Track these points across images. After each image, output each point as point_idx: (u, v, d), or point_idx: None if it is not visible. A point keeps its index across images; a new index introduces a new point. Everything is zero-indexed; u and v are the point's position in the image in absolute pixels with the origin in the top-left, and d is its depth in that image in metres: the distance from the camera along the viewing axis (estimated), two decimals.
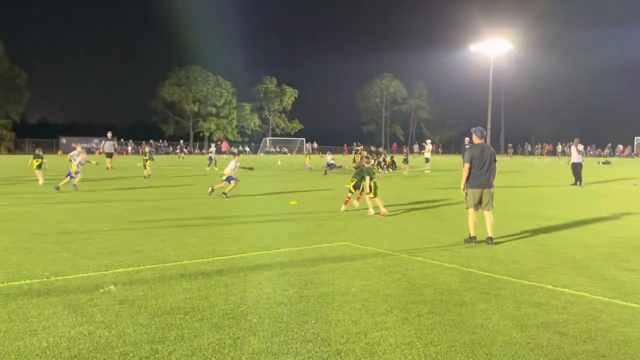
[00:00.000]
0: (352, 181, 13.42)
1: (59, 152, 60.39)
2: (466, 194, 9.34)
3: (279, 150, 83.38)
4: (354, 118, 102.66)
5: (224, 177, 16.49)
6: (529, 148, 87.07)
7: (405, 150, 55.66)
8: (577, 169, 22.42)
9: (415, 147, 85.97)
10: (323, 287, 6.23)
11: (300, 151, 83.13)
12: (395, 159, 36.83)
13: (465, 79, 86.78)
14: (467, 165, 9.27)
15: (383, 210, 12.52)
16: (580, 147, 22.86)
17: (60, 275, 6.68)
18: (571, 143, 23.69)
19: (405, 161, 33.85)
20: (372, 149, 46.60)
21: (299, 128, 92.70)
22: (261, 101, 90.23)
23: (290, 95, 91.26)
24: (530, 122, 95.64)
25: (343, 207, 13.37)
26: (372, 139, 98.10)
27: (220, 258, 7.76)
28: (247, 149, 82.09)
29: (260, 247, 8.58)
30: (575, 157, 22.73)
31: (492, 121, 72.60)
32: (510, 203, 15.30)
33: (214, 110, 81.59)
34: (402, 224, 11.29)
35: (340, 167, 32.67)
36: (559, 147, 77.87)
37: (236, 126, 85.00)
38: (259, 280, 6.49)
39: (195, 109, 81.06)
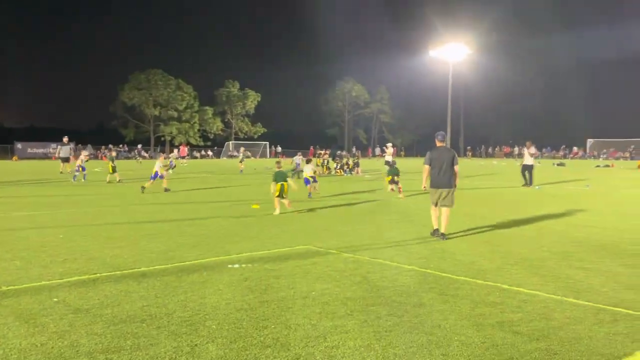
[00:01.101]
0: (388, 177, 18.12)
1: (14, 158, 58.41)
2: (427, 190, 10.40)
3: (244, 156, 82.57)
4: (317, 121, 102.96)
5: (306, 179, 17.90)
6: (490, 150, 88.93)
7: (356, 154, 55.83)
8: (528, 170, 22.98)
9: (377, 150, 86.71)
10: (283, 292, 6.21)
11: (263, 155, 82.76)
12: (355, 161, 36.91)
13: (426, 84, 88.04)
14: (425, 167, 10.24)
15: (277, 211, 13.30)
16: (533, 149, 23.40)
17: (12, 284, 6.47)
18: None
19: (356, 164, 34.09)
20: (337, 152, 46.94)
21: (262, 132, 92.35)
22: (224, 105, 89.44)
23: (253, 99, 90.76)
24: (489, 125, 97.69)
25: (401, 195, 17.58)
26: (335, 142, 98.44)
27: (180, 264, 7.65)
28: (209, 153, 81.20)
29: (220, 252, 8.50)
30: (526, 160, 23.30)
31: (452, 124, 73.85)
32: (468, 204, 15.58)
33: (175, 114, 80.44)
34: (364, 226, 11.37)
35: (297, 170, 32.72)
36: (516, 149, 79.76)
37: (198, 130, 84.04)
38: (218, 286, 6.43)
39: (156, 112, 79.75)
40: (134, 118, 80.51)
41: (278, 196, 13.46)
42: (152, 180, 19.57)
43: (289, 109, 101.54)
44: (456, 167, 10.05)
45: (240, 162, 36.52)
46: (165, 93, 79.37)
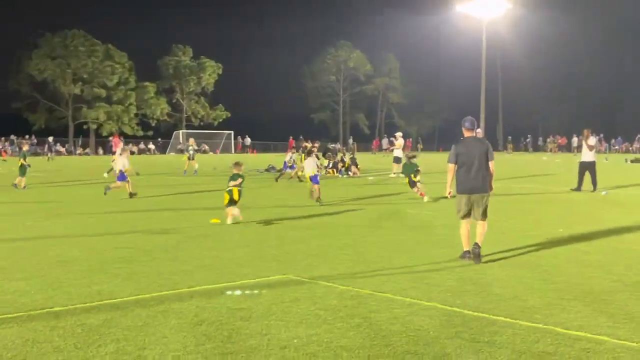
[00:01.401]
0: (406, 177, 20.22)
1: None
2: (452, 196, 10.47)
3: (197, 148, 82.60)
4: (300, 103, 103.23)
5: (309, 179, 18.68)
6: (539, 141, 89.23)
7: (352, 148, 55.87)
8: (590, 169, 22.95)
9: (385, 141, 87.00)
10: (254, 339, 6.20)
11: (226, 149, 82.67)
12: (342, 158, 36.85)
13: (451, 50, 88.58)
14: (450, 166, 10.29)
15: (230, 219, 14.22)
16: (592, 140, 23.46)
17: None
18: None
19: (353, 162, 34.13)
20: (330, 146, 47.05)
21: (224, 117, 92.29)
22: (171, 80, 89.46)
23: (212, 72, 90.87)
24: (538, 107, 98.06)
25: (426, 198, 19.09)
26: (326, 130, 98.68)
27: (109, 302, 7.61)
28: (151, 146, 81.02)
29: (166, 285, 8.46)
30: (585, 155, 23.36)
31: (487, 106, 74.34)
32: (507, 216, 15.64)
33: (103, 92, 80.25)
34: (365, 246, 11.37)
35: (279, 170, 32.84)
36: (574, 141, 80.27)
37: (135, 115, 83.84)
38: (163, 333, 6.40)
39: (77, 91, 79.51)
40: (46, 98, 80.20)
41: (228, 204, 14.22)
42: (122, 182, 20.21)
43: (261, 86, 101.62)
44: (491, 164, 10.15)
45: (190, 158, 34.49)
46: (89, 63, 79.15)
